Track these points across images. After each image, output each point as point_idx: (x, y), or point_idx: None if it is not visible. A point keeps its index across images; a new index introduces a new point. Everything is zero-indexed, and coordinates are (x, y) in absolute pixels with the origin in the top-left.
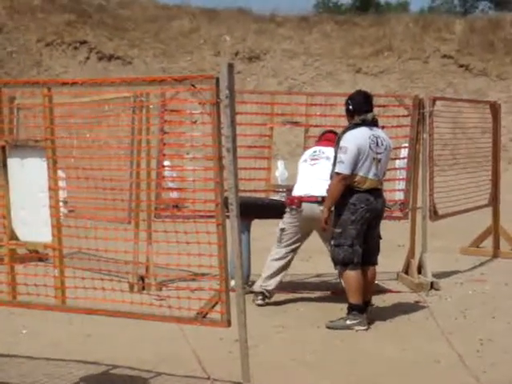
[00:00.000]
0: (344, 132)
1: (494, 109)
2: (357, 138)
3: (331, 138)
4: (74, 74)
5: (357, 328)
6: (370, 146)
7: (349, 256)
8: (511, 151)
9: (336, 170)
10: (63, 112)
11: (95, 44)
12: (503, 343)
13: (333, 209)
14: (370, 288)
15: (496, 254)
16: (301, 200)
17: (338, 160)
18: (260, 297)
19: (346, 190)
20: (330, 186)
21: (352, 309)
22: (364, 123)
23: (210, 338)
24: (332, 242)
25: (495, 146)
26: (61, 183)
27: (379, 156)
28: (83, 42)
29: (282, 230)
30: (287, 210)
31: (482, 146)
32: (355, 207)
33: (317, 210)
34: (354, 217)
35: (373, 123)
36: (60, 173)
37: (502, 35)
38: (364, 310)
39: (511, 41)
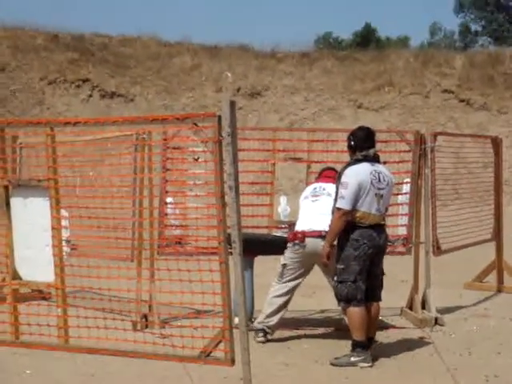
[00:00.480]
0: (345, 167)
1: (496, 143)
2: (358, 174)
3: (331, 174)
4: (76, 111)
5: (361, 365)
6: (371, 182)
7: (352, 292)
8: None
9: (337, 206)
10: (66, 151)
11: (98, 82)
12: (509, 379)
13: (335, 244)
14: (373, 324)
15: (500, 288)
16: (304, 235)
17: (339, 195)
18: (261, 334)
19: (348, 225)
20: (331, 221)
21: (356, 345)
22: (365, 159)
23: (213, 377)
24: (335, 278)
25: (497, 180)
26: (63, 222)
27: (381, 191)
28: (86, 80)
29: (284, 265)
30: (289, 245)
31: (484, 181)
32: (358, 243)
33: (320, 244)
34: (357, 253)
35: (374, 159)
36: (63, 212)
37: (501, 70)
38: (368, 347)
39: (511, 75)
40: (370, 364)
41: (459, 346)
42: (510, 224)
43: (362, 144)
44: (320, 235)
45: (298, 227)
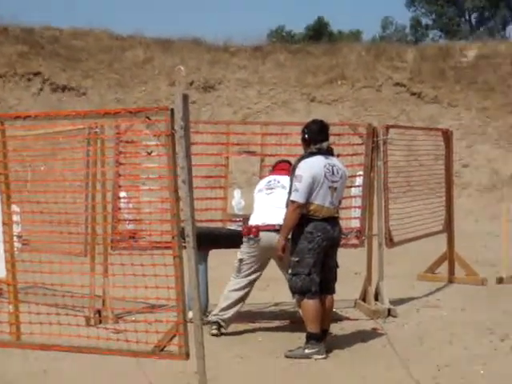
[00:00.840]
0: (299, 160)
1: (446, 136)
2: (312, 167)
3: (285, 167)
4: (27, 105)
5: (315, 357)
6: (325, 175)
7: (306, 285)
8: (464, 177)
9: (291, 199)
10: (16, 145)
11: (48, 75)
12: (460, 369)
13: (290, 237)
14: (328, 316)
15: (451, 279)
16: (258, 229)
17: (293, 188)
18: (215, 327)
19: (302, 218)
20: (285, 214)
21: (310, 337)
22: (319, 152)
23: (168, 371)
24: (289, 271)
25: (448, 172)
26: (15, 217)
27: (335, 184)
28: (36, 74)
29: (241, 260)
30: (245, 239)
31: (436, 173)
32: (312, 236)
33: (275, 238)
34: (311, 245)
35: (328, 152)
36: (14, 207)
37: (452, 63)
38: (322, 339)
39: (461, 69)
40: (323, 356)
41: (412, 337)
42: (460, 216)
43: (316, 137)
44: (274, 229)
45: (252, 221)
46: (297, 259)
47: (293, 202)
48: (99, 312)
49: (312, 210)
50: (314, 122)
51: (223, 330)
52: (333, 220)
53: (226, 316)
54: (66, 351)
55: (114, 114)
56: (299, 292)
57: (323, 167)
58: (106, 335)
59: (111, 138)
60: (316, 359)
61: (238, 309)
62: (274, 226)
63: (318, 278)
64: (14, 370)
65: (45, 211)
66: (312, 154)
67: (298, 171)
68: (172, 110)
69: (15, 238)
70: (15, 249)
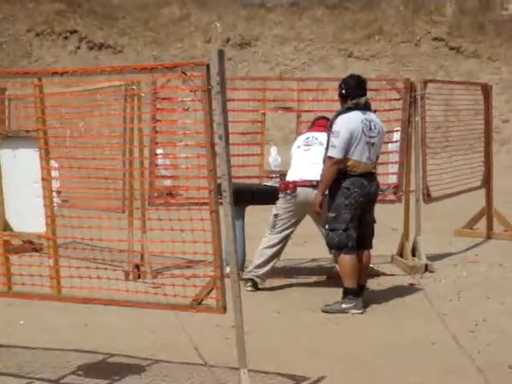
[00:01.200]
0: (336, 116)
1: (486, 90)
2: (349, 123)
3: (323, 123)
4: (64, 63)
5: (352, 311)
6: (362, 130)
7: (343, 240)
8: (503, 133)
9: (328, 154)
10: (55, 102)
11: (85, 33)
12: (498, 324)
13: (327, 193)
14: (365, 272)
15: (490, 235)
16: (295, 185)
17: (330, 144)
18: (249, 283)
19: (339, 174)
20: (322, 170)
21: (347, 292)
22: (357, 107)
23: (206, 325)
24: (326, 227)
25: (487, 127)
26: (54, 173)
27: (372, 140)
28: (73, 32)
29: (276, 215)
30: (281, 195)
31: (475, 128)
32: (349, 191)
33: (311, 194)
34: (348, 201)
35: (365, 107)
36: (53, 163)
37: (492, 17)
38: (359, 294)
39: (501, 22)
40: (360, 311)
41: (449, 292)
42: (499, 171)
43: (353, 92)
44: (311, 185)
45: (290, 177)
46: (334, 215)
47: (330, 157)
48: (138, 267)
49: (349, 166)
50: (352, 76)
51: (259, 286)
52: (370, 175)
53: (260, 272)
54: (106, 304)
55: (151, 69)
56: (336, 247)
57: (360, 122)
58: (145, 289)
59: (148, 93)
60: (353, 314)
61: (273, 265)
62: (311, 181)
63: (354, 234)
64: (56, 323)
65: (83, 167)
66: (349, 109)
67: (335, 127)
68: (208, 65)
69: (54, 194)
70: (54, 204)
